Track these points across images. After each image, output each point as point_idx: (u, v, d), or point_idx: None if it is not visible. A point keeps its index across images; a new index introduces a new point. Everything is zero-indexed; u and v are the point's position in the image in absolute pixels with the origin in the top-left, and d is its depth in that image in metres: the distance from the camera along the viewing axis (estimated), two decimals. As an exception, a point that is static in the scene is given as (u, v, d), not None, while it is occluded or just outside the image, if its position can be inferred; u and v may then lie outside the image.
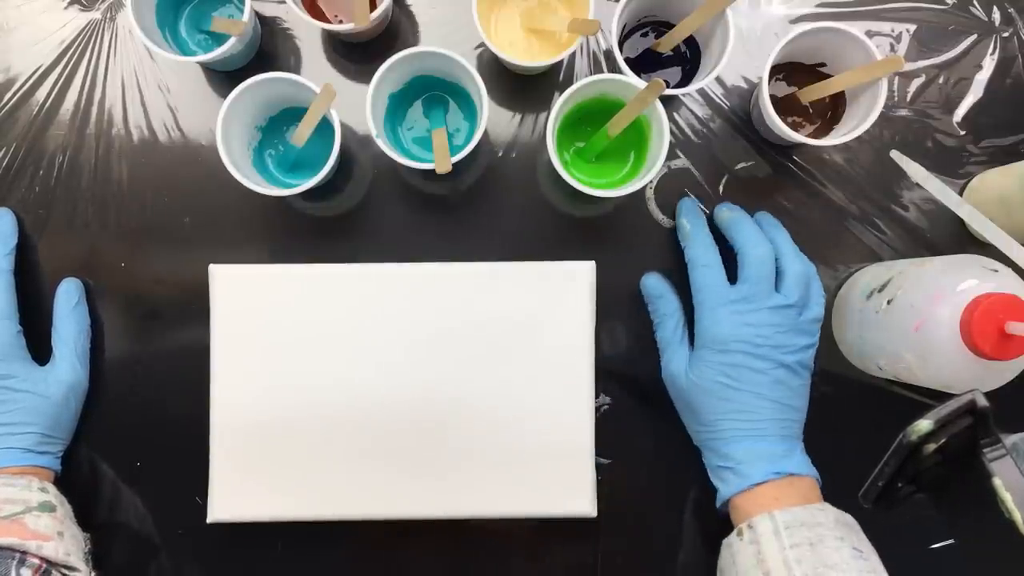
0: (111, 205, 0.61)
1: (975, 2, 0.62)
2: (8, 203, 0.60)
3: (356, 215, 0.61)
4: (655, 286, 0.58)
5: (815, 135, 0.59)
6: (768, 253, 0.54)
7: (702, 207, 0.60)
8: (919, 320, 0.49)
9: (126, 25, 0.61)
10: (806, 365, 0.54)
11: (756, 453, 0.52)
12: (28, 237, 0.60)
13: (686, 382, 0.55)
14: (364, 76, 0.56)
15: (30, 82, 0.61)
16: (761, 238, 0.55)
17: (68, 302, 0.58)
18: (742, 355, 0.53)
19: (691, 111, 0.62)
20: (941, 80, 0.62)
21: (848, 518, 0.50)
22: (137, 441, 0.60)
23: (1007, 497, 0.40)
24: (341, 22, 0.59)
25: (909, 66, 0.62)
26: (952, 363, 0.48)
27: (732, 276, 0.56)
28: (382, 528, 0.59)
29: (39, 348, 0.58)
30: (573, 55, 0.61)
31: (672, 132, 0.60)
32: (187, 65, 0.61)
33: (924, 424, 0.42)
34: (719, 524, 0.56)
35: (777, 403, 0.53)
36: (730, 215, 0.57)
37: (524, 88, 0.62)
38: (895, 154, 0.57)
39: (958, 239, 0.61)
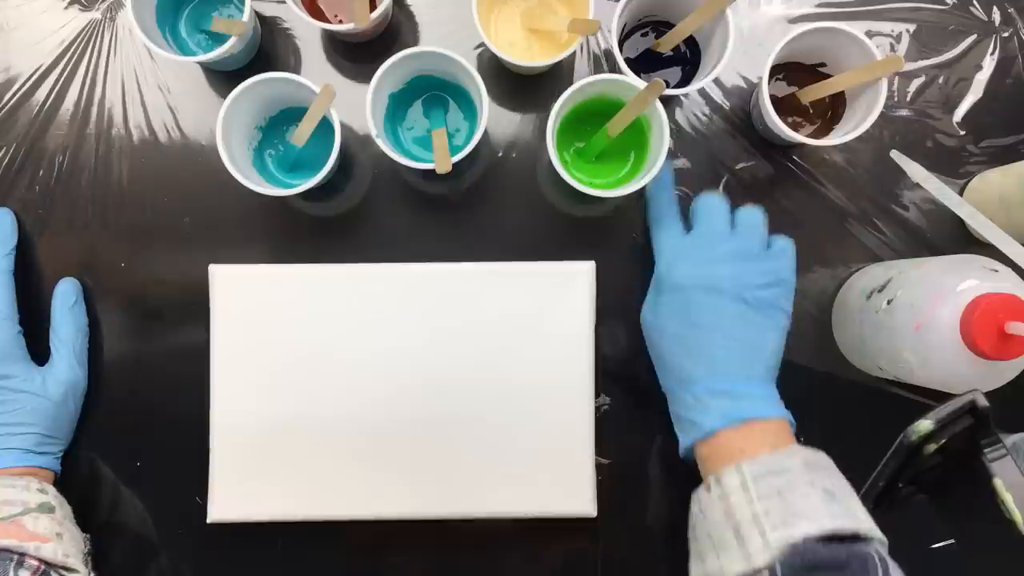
0: (111, 205, 0.61)
1: (975, 2, 0.62)
2: (8, 203, 0.60)
3: (356, 215, 0.61)
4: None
5: (815, 135, 0.59)
6: (719, 201, 0.54)
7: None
8: (919, 320, 0.49)
9: (126, 25, 0.61)
10: (771, 303, 0.52)
11: (715, 398, 0.50)
12: (28, 237, 0.60)
13: (648, 326, 0.55)
14: (364, 76, 0.56)
15: (30, 82, 0.61)
16: (712, 193, 0.55)
17: (66, 302, 0.58)
18: (698, 291, 0.52)
19: (691, 111, 0.62)
20: (941, 80, 0.62)
21: (820, 456, 0.48)
22: (137, 441, 0.60)
23: (1007, 497, 0.40)
24: (341, 22, 0.59)
25: (909, 66, 0.62)
26: (952, 363, 0.48)
27: None
28: (382, 528, 0.59)
29: (39, 348, 0.58)
30: (573, 55, 0.61)
31: (672, 132, 0.60)
32: (187, 65, 0.61)
33: (924, 424, 0.42)
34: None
35: (739, 341, 0.51)
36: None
37: (524, 88, 0.62)
38: (895, 154, 0.57)
39: (958, 239, 0.61)
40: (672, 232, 0.55)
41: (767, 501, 0.45)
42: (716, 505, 0.47)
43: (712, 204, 0.54)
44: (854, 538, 0.44)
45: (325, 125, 0.54)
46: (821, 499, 0.45)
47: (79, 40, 0.61)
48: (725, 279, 0.51)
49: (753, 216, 0.54)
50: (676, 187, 0.60)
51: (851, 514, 0.44)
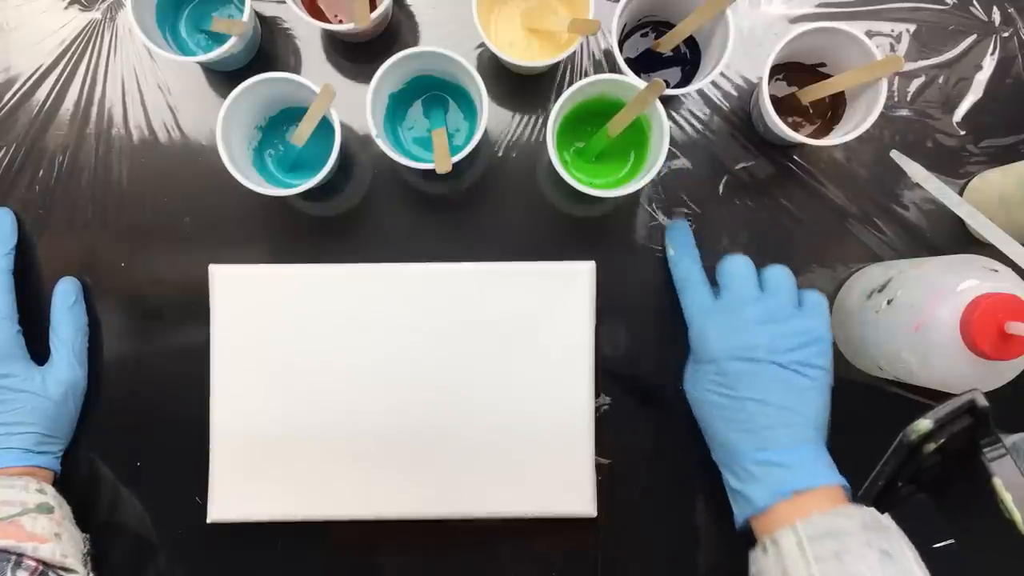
0: (111, 205, 0.61)
1: (975, 2, 0.62)
2: (8, 203, 0.60)
3: (356, 215, 0.61)
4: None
5: (815, 135, 0.59)
6: (744, 262, 0.54)
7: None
8: (919, 320, 0.49)
9: (126, 25, 0.61)
10: (808, 364, 0.51)
11: (764, 468, 0.49)
12: (28, 237, 0.60)
13: (691, 398, 0.55)
14: (364, 76, 0.56)
15: (30, 82, 0.61)
16: (737, 255, 0.55)
17: (65, 302, 0.58)
18: (732, 361, 0.51)
19: (691, 111, 0.62)
20: (941, 80, 0.62)
21: (879, 518, 0.47)
22: (137, 441, 0.60)
23: (1007, 497, 0.40)
24: (341, 22, 0.59)
25: (909, 66, 0.62)
26: (952, 363, 0.48)
27: None
28: (382, 528, 0.58)
29: (39, 348, 0.58)
30: (573, 55, 0.61)
31: (672, 132, 0.60)
32: (187, 65, 0.61)
33: (924, 424, 0.42)
34: (719, 524, 0.56)
35: (780, 407, 0.50)
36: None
37: (524, 88, 0.62)
38: (895, 154, 0.57)
39: (958, 239, 0.61)
40: (700, 297, 0.55)
41: (824, 564, 0.44)
42: (773, 567, 0.47)
43: (737, 267, 0.54)
44: None
45: (325, 125, 0.54)
46: (878, 560, 0.44)
47: (79, 40, 0.61)
48: (758, 347, 0.51)
49: (780, 275, 0.53)
50: (687, 227, 0.60)
51: (909, 574, 0.44)
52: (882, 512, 0.45)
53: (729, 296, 0.53)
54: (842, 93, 0.59)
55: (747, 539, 0.51)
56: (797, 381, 0.51)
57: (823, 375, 0.52)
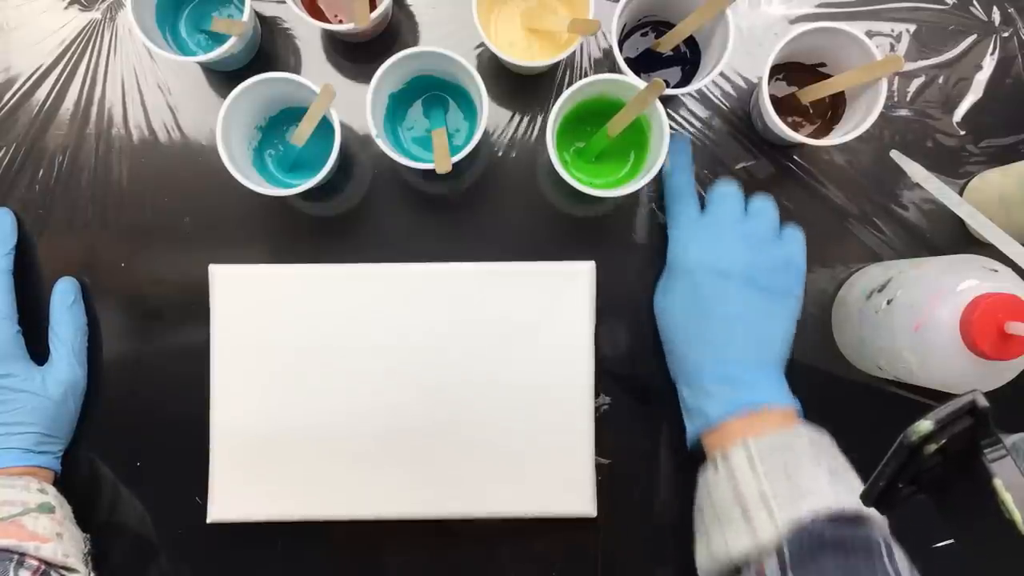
0: (111, 205, 0.61)
1: (975, 2, 0.62)
2: (8, 203, 0.60)
3: (356, 215, 0.61)
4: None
5: (815, 135, 0.59)
6: (734, 189, 0.55)
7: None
8: (919, 320, 0.49)
9: (126, 25, 0.61)
10: (781, 289, 0.52)
11: (722, 385, 0.50)
12: (28, 237, 0.60)
13: (659, 310, 0.55)
14: (364, 76, 0.56)
15: (30, 82, 0.61)
16: (728, 181, 0.56)
17: (64, 301, 0.58)
18: (708, 273, 0.52)
19: (691, 111, 0.62)
20: (941, 80, 0.62)
21: (823, 435, 0.49)
22: (137, 441, 0.60)
23: (1007, 497, 0.40)
24: (341, 22, 0.59)
25: (909, 66, 0.62)
26: (952, 363, 0.48)
27: None
28: (382, 528, 0.59)
29: (38, 348, 0.58)
30: (573, 55, 0.61)
31: (672, 132, 0.60)
32: (187, 65, 0.61)
33: (924, 424, 0.42)
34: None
35: (747, 325, 0.51)
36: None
37: (524, 88, 0.62)
38: (895, 154, 0.57)
39: (958, 239, 0.61)
40: (688, 213, 0.56)
41: (774, 479, 0.45)
42: (723, 483, 0.47)
43: (727, 191, 0.55)
44: (857, 518, 0.44)
45: (325, 125, 0.54)
46: (827, 479, 0.45)
47: (79, 40, 0.61)
48: (735, 262, 0.52)
49: (766, 204, 0.55)
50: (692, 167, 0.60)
51: (855, 494, 0.45)
52: (883, 513, 0.45)
53: (714, 213, 0.54)
54: (842, 93, 0.59)
55: (698, 460, 0.52)
56: (767, 304, 0.52)
57: (794, 302, 0.53)
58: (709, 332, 0.52)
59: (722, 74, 0.60)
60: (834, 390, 0.60)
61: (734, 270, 0.52)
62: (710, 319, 0.52)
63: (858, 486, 0.46)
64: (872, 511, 0.45)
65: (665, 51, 0.58)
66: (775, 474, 0.46)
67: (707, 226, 0.54)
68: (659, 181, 0.60)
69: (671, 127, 0.60)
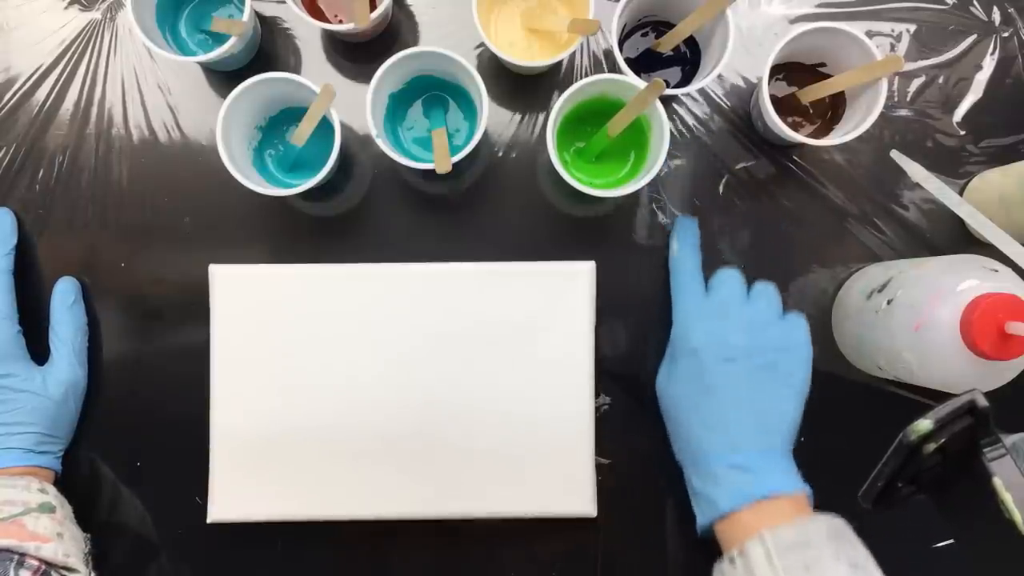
0: (111, 205, 0.61)
1: (975, 2, 0.62)
2: (8, 203, 0.60)
3: (356, 215, 0.61)
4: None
5: (815, 135, 0.59)
6: (737, 273, 0.55)
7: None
8: (919, 320, 0.49)
9: (126, 25, 0.61)
10: (785, 369, 0.52)
11: (731, 472, 0.49)
12: (28, 237, 0.60)
13: (663, 392, 0.55)
14: (364, 76, 0.56)
15: (30, 82, 0.61)
16: (731, 268, 0.56)
17: (64, 301, 0.58)
18: (712, 355, 0.52)
19: (691, 111, 0.62)
20: (941, 80, 0.62)
21: (839, 525, 0.48)
22: (137, 441, 0.60)
23: (1007, 497, 0.40)
24: (341, 22, 0.59)
25: (909, 66, 0.62)
26: (952, 363, 0.48)
27: None
28: (382, 528, 0.59)
29: (39, 348, 0.58)
30: (573, 55, 0.61)
31: (672, 132, 0.60)
32: (187, 65, 0.61)
33: (924, 424, 0.42)
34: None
35: (753, 409, 0.50)
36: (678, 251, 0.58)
37: (524, 88, 0.62)
38: (895, 154, 0.57)
39: (958, 239, 0.61)
40: (692, 295, 0.55)
41: (793, 575, 0.44)
42: None
43: (730, 274, 0.55)
44: None
45: (325, 125, 0.54)
46: (847, 572, 0.44)
47: (79, 40, 0.61)
48: (739, 345, 0.52)
49: (767, 287, 0.55)
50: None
51: None
52: (883, 513, 0.45)
53: (718, 295, 0.54)
54: (842, 93, 0.59)
55: (708, 544, 0.51)
56: (772, 386, 0.51)
57: (800, 384, 0.52)
58: (716, 415, 0.51)
59: (722, 74, 0.60)
60: (834, 390, 0.60)
61: (739, 352, 0.51)
62: (715, 403, 0.51)
63: (876, 572, 0.46)
64: None
65: (665, 51, 0.58)
66: (794, 569, 0.45)
67: (711, 308, 0.54)
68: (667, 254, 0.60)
69: (678, 129, 0.60)
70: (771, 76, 0.57)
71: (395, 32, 0.62)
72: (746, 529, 0.48)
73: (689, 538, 0.60)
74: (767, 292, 0.54)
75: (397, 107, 0.59)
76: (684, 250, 0.57)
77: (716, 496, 0.50)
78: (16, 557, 0.48)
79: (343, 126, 0.55)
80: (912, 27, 0.62)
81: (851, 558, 0.46)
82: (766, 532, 0.46)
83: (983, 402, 0.41)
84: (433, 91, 0.60)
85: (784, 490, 0.49)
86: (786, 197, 0.61)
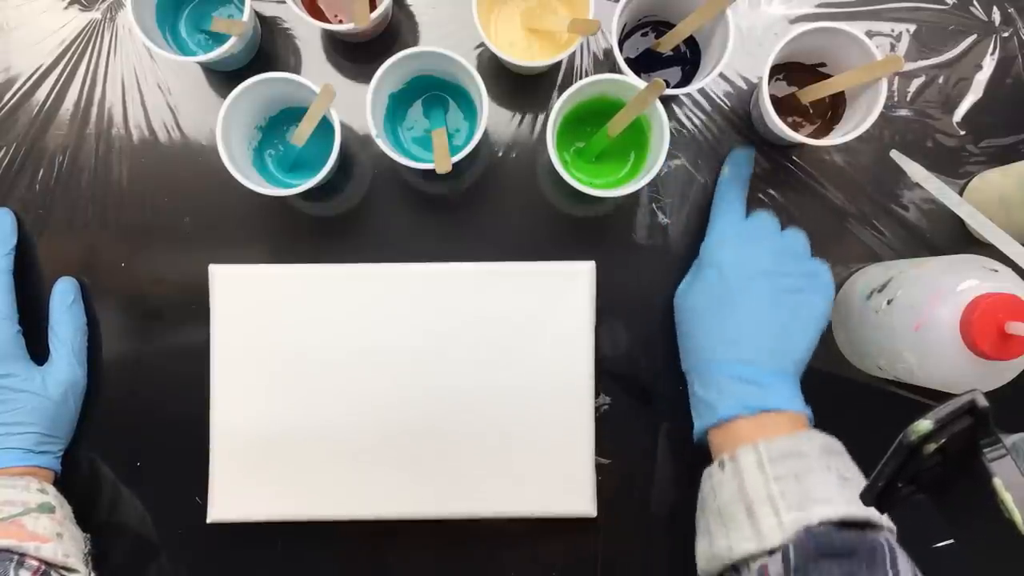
0: (111, 205, 0.61)
1: (975, 2, 0.62)
2: (8, 203, 0.60)
3: (356, 215, 0.61)
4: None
5: (815, 135, 0.59)
6: (773, 215, 0.56)
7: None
8: (919, 320, 0.49)
9: (126, 25, 0.61)
10: (809, 297, 0.53)
11: (738, 384, 0.50)
12: (28, 237, 0.60)
13: (681, 303, 0.56)
14: (364, 76, 0.56)
15: (30, 82, 0.61)
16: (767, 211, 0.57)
17: (64, 301, 0.58)
18: (740, 272, 0.52)
19: (691, 111, 0.62)
20: (941, 80, 0.62)
21: (835, 442, 0.49)
22: (137, 441, 0.60)
23: (1007, 497, 0.40)
24: (341, 22, 0.59)
25: (909, 66, 0.62)
26: (952, 363, 0.48)
27: None
28: (382, 528, 0.59)
29: (39, 348, 0.58)
30: (573, 55, 0.61)
31: (672, 132, 0.60)
32: (187, 65, 0.61)
33: (924, 424, 0.42)
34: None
35: (771, 327, 0.51)
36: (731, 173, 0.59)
37: (524, 88, 0.62)
38: (895, 154, 0.57)
39: (958, 239, 0.61)
40: (732, 216, 0.56)
41: (784, 482, 0.45)
42: (729, 482, 0.47)
43: (768, 214, 0.56)
44: (865, 525, 0.44)
45: (325, 125, 0.54)
46: (837, 484, 0.45)
47: (79, 40, 0.61)
48: (767, 267, 0.52)
49: (800, 231, 0.56)
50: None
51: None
52: (882, 512, 0.45)
53: (755, 223, 0.55)
54: (842, 93, 0.59)
55: (699, 460, 0.52)
56: (795, 307, 0.52)
57: (819, 316, 0.53)
58: (732, 328, 0.52)
59: (722, 74, 0.60)
60: (834, 390, 0.60)
61: (766, 273, 0.52)
62: (735, 315, 0.52)
63: None
64: (881, 518, 0.45)
65: (665, 51, 0.58)
66: (784, 477, 0.46)
67: (746, 230, 0.55)
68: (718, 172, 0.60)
69: (678, 129, 0.61)
70: (771, 76, 0.57)
71: (395, 32, 0.62)
72: (741, 438, 0.49)
73: (689, 538, 0.60)
74: (799, 234, 0.55)
75: (397, 107, 0.59)
76: (733, 176, 0.58)
77: (717, 403, 0.50)
78: (16, 557, 0.48)
79: (343, 126, 0.55)
80: (912, 27, 0.62)
81: (841, 471, 0.46)
82: (760, 441, 0.47)
83: (983, 402, 0.41)
84: (433, 91, 0.60)
85: (786, 408, 0.50)
86: (786, 197, 0.61)
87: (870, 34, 0.61)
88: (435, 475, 0.58)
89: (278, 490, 0.57)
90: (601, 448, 0.59)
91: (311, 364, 0.58)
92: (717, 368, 0.51)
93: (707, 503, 0.50)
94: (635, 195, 0.61)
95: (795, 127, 0.59)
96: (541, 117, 0.61)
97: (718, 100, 0.62)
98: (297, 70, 0.62)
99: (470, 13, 0.54)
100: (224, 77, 0.61)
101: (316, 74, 0.62)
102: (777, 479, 0.45)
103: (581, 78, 0.57)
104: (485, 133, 0.56)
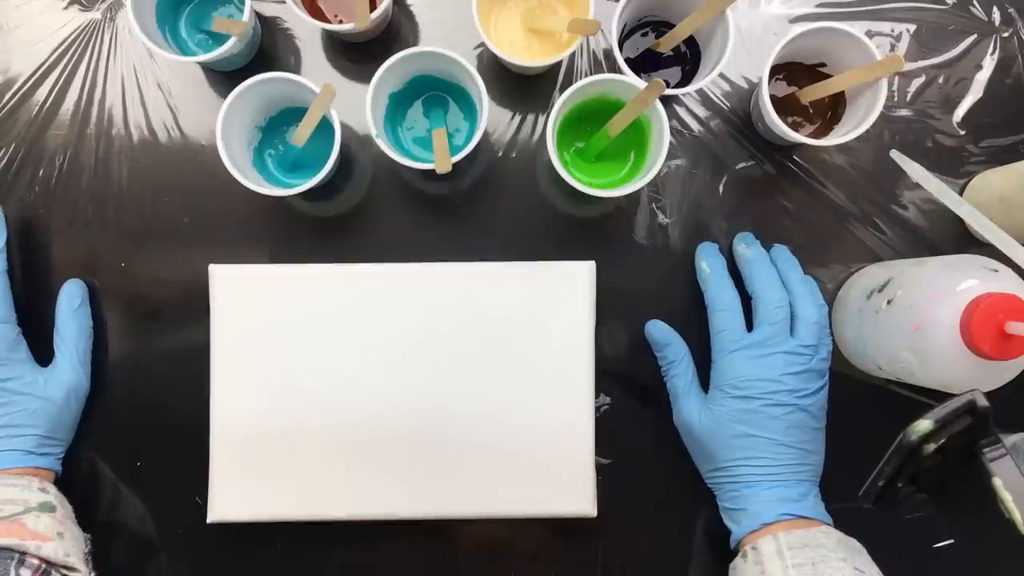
0: (111, 205, 0.61)
1: (975, 2, 0.62)
2: (8, 203, 0.60)
3: (356, 215, 0.61)
4: (662, 334, 0.58)
5: (815, 135, 0.59)
6: (784, 298, 0.55)
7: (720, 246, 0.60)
8: (919, 320, 0.49)
9: (126, 25, 0.61)
10: (821, 408, 0.55)
11: (770, 497, 0.52)
12: (28, 237, 0.60)
13: (700, 428, 0.55)
14: (364, 76, 0.56)
15: (30, 82, 0.61)
16: (776, 281, 0.56)
17: (71, 304, 0.58)
18: (758, 400, 0.53)
19: (691, 111, 0.62)
20: (941, 80, 0.62)
21: (852, 541, 0.51)
22: (137, 441, 0.60)
23: (1007, 497, 0.40)
24: (341, 22, 0.59)
25: (909, 66, 0.62)
26: (952, 363, 0.48)
27: (748, 318, 0.57)
28: (382, 528, 0.59)
29: (39, 349, 0.58)
30: (573, 55, 0.61)
31: (672, 132, 0.60)
32: (187, 65, 0.61)
33: (924, 424, 0.42)
34: (719, 525, 0.56)
35: (792, 448, 0.53)
36: (747, 253, 0.58)
37: (524, 88, 0.62)
38: (895, 154, 0.57)
39: (958, 239, 0.61)
40: (732, 326, 0.56)
41: (801, 570, 0.47)
42: (751, 569, 0.50)
43: (777, 301, 0.55)
44: None
45: (325, 125, 0.54)
46: (851, 574, 0.47)
47: (79, 40, 0.61)
48: (785, 389, 0.53)
49: (816, 319, 0.55)
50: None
51: None
52: (883, 513, 0.46)
53: (765, 333, 0.55)
54: (842, 93, 0.59)
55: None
56: (811, 425, 0.54)
57: (825, 420, 0.56)
58: (758, 451, 0.53)
59: (722, 74, 0.60)
60: (834, 390, 0.60)
61: (784, 398, 0.53)
62: (760, 439, 0.53)
63: None
64: None
65: (665, 51, 0.58)
66: (802, 565, 0.48)
67: (757, 345, 0.54)
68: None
69: (678, 129, 0.60)
70: (771, 76, 0.57)
71: (395, 32, 0.62)
72: (767, 532, 0.51)
73: (689, 538, 0.60)
74: (811, 329, 0.55)
75: (397, 107, 0.59)
76: (715, 276, 0.57)
77: (753, 514, 0.52)
78: (17, 556, 0.48)
79: (343, 126, 0.55)
80: (912, 27, 0.62)
81: (857, 565, 0.48)
82: (780, 533, 0.50)
83: (983, 402, 0.41)
84: (433, 91, 0.60)
85: (811, 517, 0.52)
86: (786, 197, 0.61)
87: (870, 34, 0.61)
88: (435, 476, 0.58)
89: (278, 490, 0.57)
90: (601, 448, 0.59)
91: (311, 364, 0.58)
92: (748, 484, 0.53)
93: None
94: (635, 195, 0.61)
95: (795, 127, 0.59)
96: (541, 117, 0.61)
97: (718, 100, 0.62)
98: (297, 70, 0.62)
99: (470, 13, 0.54)
100: (224, 77, 0.61)
101: (316, 74, 0.62)
102: (796, 566, 0.48)
103: (581, 78, 0.57)
104: (485, 133, 0.56)
